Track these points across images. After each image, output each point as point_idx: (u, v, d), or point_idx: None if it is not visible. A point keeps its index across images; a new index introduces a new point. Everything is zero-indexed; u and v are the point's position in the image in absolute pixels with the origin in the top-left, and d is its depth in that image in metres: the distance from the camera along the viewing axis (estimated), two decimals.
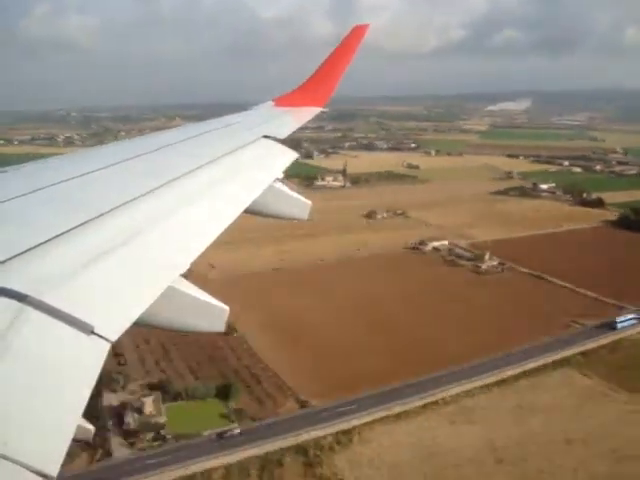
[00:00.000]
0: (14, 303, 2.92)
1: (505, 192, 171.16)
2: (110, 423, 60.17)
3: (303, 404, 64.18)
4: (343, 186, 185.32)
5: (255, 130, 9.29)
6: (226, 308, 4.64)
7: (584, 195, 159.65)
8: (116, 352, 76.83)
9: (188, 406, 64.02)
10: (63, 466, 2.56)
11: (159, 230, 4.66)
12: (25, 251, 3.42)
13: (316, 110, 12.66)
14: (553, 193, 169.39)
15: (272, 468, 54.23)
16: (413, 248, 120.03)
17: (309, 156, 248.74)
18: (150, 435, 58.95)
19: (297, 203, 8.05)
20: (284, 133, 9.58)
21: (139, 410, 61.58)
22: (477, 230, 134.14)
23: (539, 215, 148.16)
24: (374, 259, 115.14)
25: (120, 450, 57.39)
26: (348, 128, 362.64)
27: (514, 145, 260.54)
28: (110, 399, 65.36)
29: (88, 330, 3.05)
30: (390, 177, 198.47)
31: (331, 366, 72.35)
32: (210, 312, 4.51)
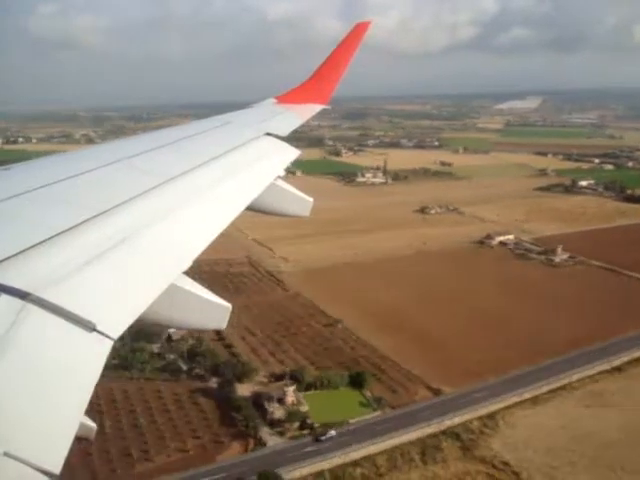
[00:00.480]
0: (16, 301, 2.92)
1: (547, 188, 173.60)
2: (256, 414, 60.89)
3: (436, 392, 65.41)
4: (385, 182, 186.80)
5: (257, 127, 9.28)
6: (228, 305, 4.63)
7: (628, 191, 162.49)
8: (226, 343, 77.69)
9: (323, 395, 64.67)
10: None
11: (161, 227, 4.66)
12: (27, 249, 3.41)
13: (318, 107, 12.57)
14: (594, 190, 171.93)
15: (432, 452, 55.37)
16: (480, 242, 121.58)
17: (337, 153, 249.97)
18: (296, 424, 59.89)
19: (299, 200, 8.06)
20: (286, 130, 9.59)
21: (280, 400, 62.37)
22: (532, 225, 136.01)
23: (589, 211, 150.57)
24: (445, 253, 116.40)
25: (272, 439, 58.12)
26: (364, 126, 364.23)
27: (536, 143, 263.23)
28: (241, 389, 66.12)
29: (90, 327, 3.04)
30: (427, 174, 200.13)
31: (446, 355, 73.51)
32: (212, 309, 4.52)
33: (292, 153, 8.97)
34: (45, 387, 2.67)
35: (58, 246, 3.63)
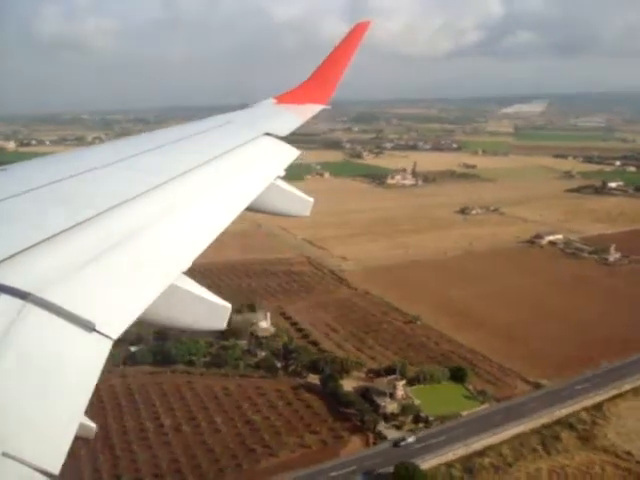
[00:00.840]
0: (16, 301, 2.93)
1: (578, 190, 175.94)
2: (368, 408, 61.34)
3: (536, 385, 66.33)
4: (415, 184, 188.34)
5: (256, 128, 9.25)
6: (228, 306, 4.62)
7: None
8: (311, 340, 78.14)
9: (428, 389, 65.17)
10: None
11: (161, 227, 4.66)
12: (27, 249, 3.42)
13: (318, 107, 12.51)
14: (624, 191, 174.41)
15: (552, 442, 56.11)
16: (529, 242, 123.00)
17: (358, 156, 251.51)
18: (409, 418, 60.45)
19: (299, 200, 7.97)
20: (286, 130, 9.58)
21: (390, 394, 62.94)
22: (574, 225, 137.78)
23: (626, 211, 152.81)
24: (497, 251, 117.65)
25: (390, 433, 58.65)
26: (376, 129, 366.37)
27: (553, 146, 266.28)
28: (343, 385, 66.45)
29: (90, 328, 3.06)
30: (453, 176, 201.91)
31: (530, 350, 74.45)
32: (212, 310, 4.52)
33: (292, 153, 8.86)
34: (45, 387, 2.67)
35: (58, 246, 3.62)
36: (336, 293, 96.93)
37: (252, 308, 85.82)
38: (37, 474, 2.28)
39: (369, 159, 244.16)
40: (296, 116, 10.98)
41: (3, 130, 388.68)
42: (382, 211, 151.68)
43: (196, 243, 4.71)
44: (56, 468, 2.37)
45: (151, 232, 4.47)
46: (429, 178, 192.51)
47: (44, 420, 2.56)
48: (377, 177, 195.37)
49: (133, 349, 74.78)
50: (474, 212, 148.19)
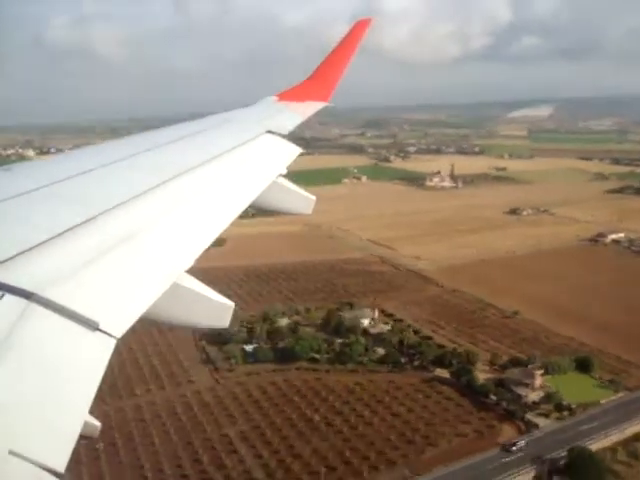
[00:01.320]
0: (20, 300, 2.97)
1: (619, 191, 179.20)
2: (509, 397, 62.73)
3: None
4: (455, 186, 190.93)
5: (258, 126, 9.28)
6: (231, 304, 4.63)
7: None
8: (423, 336, 79.14)
9: (558, 379, 66.67)
10: None
11: (164, 226, 4.70)
12: (30, 248, 3.45)
13: (320, 105, 12.51)
14: None
15: None
16: (592, 240, 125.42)
17: (386, 159, 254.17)
18: (552, 406, 61.86)
19: (301, 198, 8.00)
20: (287, 128, 9.61)
21: (528, 384, 64.42)
22: (628, 224, 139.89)
23: None
24: (562, 250, 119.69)
25: (539, 420, 59.58)
26: (391, 134, 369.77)
27: (574, 149, 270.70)
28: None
29: (93, 327, 3.11)
30: (487, 178, 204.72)
31: None
32: (215, 308, 4.55)
33: (293, 151, 8.87)
34: (49, 386, 2.70)
35: (61, 245, 3.65)
36: (425, 291, 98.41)
37: (351, 306, 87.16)
38: (43, 472, 2.30)
39: (397, 163, 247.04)
40: (297, 114, 11.02)
41: (18, 139, 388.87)
42: (433, 213, 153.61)
43: (199, 241, 4.73)
44: (62, 466, 2.39)
45: (154, 231, 4.51)
46: (467, 180, 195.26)
47: (49, 419, 2.59)
48: (414, 180, 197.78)
49: (248, 348, 75.70)
50: (525, 213, 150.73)
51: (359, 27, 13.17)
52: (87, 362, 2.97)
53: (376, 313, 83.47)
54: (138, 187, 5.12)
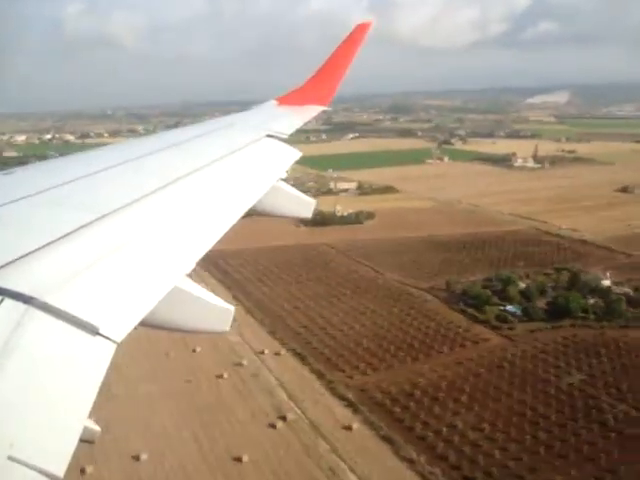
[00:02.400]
0: (19, 305, 2.99)
1: None
2: None
3: None
4: (542, 167, 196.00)
5: (258, 129, 9.44)
6: (231, 308, 4.68)
7: None
8: None
9: None
10: None
11: (164, 230, 4.76)
12: (30, 252, 3.49)
13: (319, 109, 12.79)
14: None
15: None
16: None
17: (446, 142, 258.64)
18: None
19: (301, 202, 8.11)
20: (287, 132, 9.74)
21: None
22: None
23: None
24: None
25: None
26: (424, 119, 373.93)
27: (619, 133, 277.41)
28: None
29: (93, 331, 3.11)
30: (566, 160, 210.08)
31: None
32: (215, 312, 4.58)
33: (293, 155, 9.01)
34: (49, 391, 2.74)
35: (61, 250, 3.69)
36: (615, 259, 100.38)
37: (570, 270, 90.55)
38: (42, 477, 2.34)
39: (459, 145, 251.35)
40: (297, 117, 11.18)
41: (41, 125, 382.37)
42: (543, 191, 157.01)
43: (198, 245, 4.77)
44: (61, 471, 2.43)
45: (153, 235, 4.55)
46: (552, 162, 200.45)
47: (49, 424, 2.62)
48: (496, 161, 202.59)
49: (511, 308, 78.76)
50: (637, 191, 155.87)
51: (359, 30, 13.07)
52: (87, 367, 2.98)
53: (608, 275, 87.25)
54: (138, 191, 5.18)
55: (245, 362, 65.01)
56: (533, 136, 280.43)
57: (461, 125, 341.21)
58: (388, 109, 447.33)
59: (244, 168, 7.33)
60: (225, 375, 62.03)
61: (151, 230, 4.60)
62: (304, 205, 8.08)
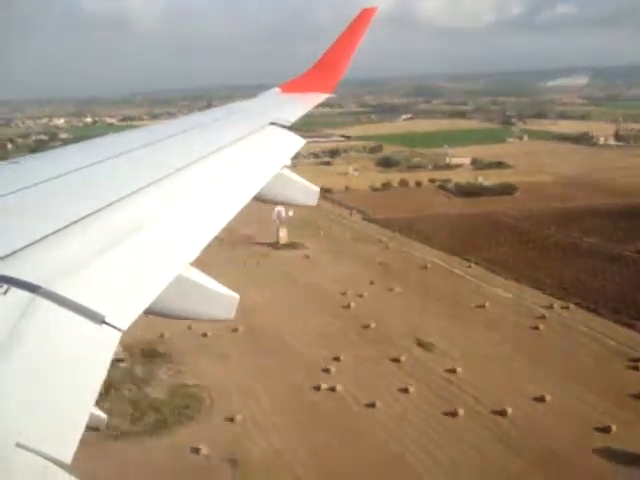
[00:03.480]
0: (25, 294, 3.04)
1: None
2: None
3: None
4: (627, 145, 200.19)
5: (262, 117, 9.46)
6: (236, 296, 4.71)
7: None
8: None
9: None
10: None
11: (168, 218, 4.82)
12: (35, 241, 3.54)
13: (324, 96, 12.66)
14: None
15: None
16: None
17: (509, 123, 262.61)
18: None
19: (306, 189, 8.08)
20: (291, 120, 9.66)
21: None
22: None
23: None
24: None
25: None
26: (459, 101, 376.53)
27: None
28: None
29: (99, 320, 3.16)
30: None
31: None
32: (220, 300, 4.66)
33: (297, 142, 8.96)
34: (55, 379, 2.80)
35: (66, 238, 3.76)
36: None
37: None
38: (50, 464, 2.39)
39: (521, 125, 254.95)
40: (301, 105, 11.21)
41: (69, 110, 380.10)
42: None
43: (203, 234, 4.85)
44: (68, 458, 2.47)
45: (158, 223, 4.62)
46: (635, 140, 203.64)
47: (56, 411, 2.68)
48: (575, 140, 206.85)
49: None
50: None
51: (363, 16, 12.88)
52: (93, 355, 3.03)
53: None
54: (142, 179, 5.22)
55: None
56: (583, 117, 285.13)
57: (500, 107, 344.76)
58: (412, 92, 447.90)
59: (248, 156, 7.39)
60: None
61: (156, 219, 4.64)
62: (309, 193, 8.07)
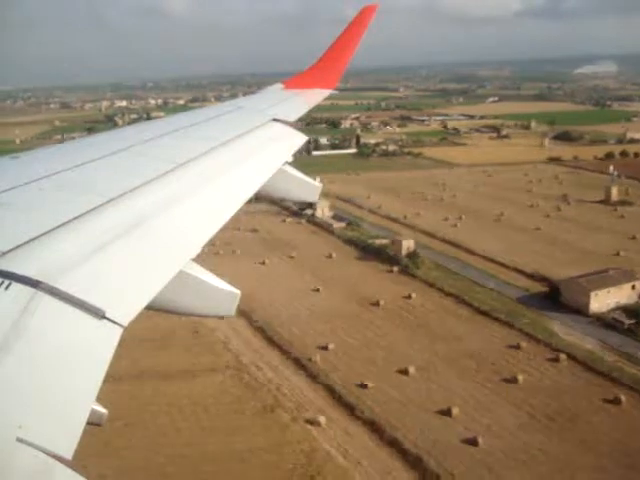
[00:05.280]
0: (27, 289, 3.00)
1: None
2: None
3: None
4: None
5: (265, 113, 9.40)
6: (237, 292, 4.63)
7: None
8: None
9: None
10: None
11: (170, 214, 4.74)
12: (37, 237, 3.49)
13: (326, 92, 12.69)
14: None
15: None
16: None
17: (602, 104, 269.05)
18: None
19: (307, 186, 8.05)
20: (294, 116, 9.67)
21: None
22: None
23: None
24: None
25: None
26: (514, 87, 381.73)
27: None
28: None
29: (100, 315, 3.12)
30: None
31: None
32: (221, 296, 4.58)
33: (299, 139, 8.95)
34: (56, 374, 2.76)
35: (68, 234, 3.71)
36: None
37: None
38: (51, 459, 2.36)
39: (616, 107, 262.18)
40: (303, 101, 11.29)
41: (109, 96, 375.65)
42: None
43: (204, 230, 4.81)
44: (69, 453, 2.44)
45: (160, 219, 4.55)
46: None
47: (56, 407, 2.65)
48: None
49: None
50: None
51: (365, 13, 13.03)
52: (94, 350, 3.00)
53: None
54: (145, 175, 5.19)
55: None
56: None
57: (563, 91, 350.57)
58: (450, 78, 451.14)
59: (251, 152, 7.34)
60: None
61: (158, 215, 4.59)
62: (310, 189, 8.08)
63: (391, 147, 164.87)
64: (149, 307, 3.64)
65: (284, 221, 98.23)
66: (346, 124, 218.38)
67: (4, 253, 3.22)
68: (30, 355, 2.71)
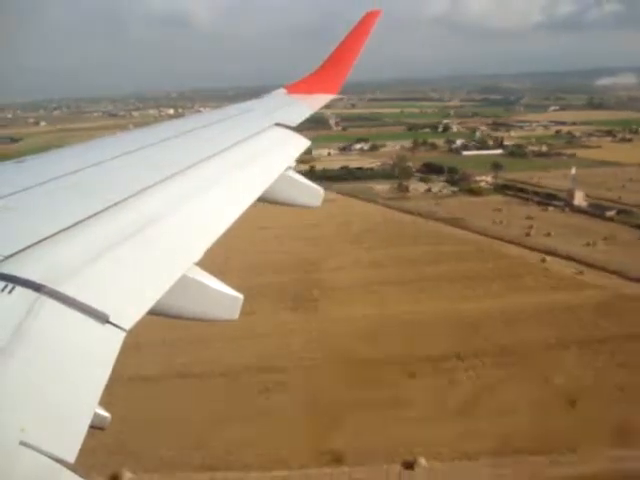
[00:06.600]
0: (30, 293, 3.00)
1: None
2: None
3: None
4: None
5: (267, 118, 9.39)
6: (240, 296, 4.66)
7: None
8: None
9: None
10: None
11: (173, 219, 4.76)
12: (40, 240, 3.50)
13: (329, 97, 12.85)
14: None
15: None
16: None
17: None
18: None
19: (310, 191, 8.01)
20: (296, 121, 9.59)
21: None
22: None
23: None
24: None
25: None
26: (556, 97, 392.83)
27: None
28: None
29: (103, 319, 3.13)
30: None
31: None
32: (224, 301, 4.61)
33: (302, 143, 8.87)
34: (59, 378, 2.78)
35: (71, 238, 3.72)
36: None
37: None
38: (53, 462, 2.36)
39: None
40: (306, 106, 11.31)
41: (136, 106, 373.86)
42: None
43: (207, 234, 4.84)
44: (72, 457, 2.44)
45: (163, 223, 4.58)
46: None
47: (59, 410, 2.66)
48: None
49: None
50: None
51: (368, 19, 13.12)
52: (97, 354, 3.01)
53: None
54: (147, 179, 5.20)
55: None
56: None
57: (603, 100, 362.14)
58: (482, 89, 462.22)
59: (253, 157, 7.28)
60: None
61: (160, 219, 4.58)
62: (313, 194, 8.07)
63: (544, 148, 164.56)
64: (152, 311, 3.63)
65: (545, 210, 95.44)
66: (452, 129, 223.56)
67: (7, 257, 3.22)
68: (33, 359, 2.73)
